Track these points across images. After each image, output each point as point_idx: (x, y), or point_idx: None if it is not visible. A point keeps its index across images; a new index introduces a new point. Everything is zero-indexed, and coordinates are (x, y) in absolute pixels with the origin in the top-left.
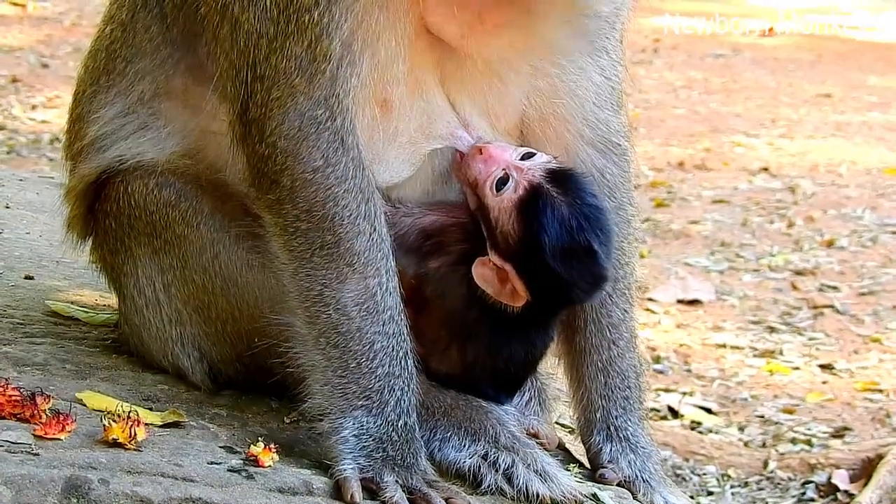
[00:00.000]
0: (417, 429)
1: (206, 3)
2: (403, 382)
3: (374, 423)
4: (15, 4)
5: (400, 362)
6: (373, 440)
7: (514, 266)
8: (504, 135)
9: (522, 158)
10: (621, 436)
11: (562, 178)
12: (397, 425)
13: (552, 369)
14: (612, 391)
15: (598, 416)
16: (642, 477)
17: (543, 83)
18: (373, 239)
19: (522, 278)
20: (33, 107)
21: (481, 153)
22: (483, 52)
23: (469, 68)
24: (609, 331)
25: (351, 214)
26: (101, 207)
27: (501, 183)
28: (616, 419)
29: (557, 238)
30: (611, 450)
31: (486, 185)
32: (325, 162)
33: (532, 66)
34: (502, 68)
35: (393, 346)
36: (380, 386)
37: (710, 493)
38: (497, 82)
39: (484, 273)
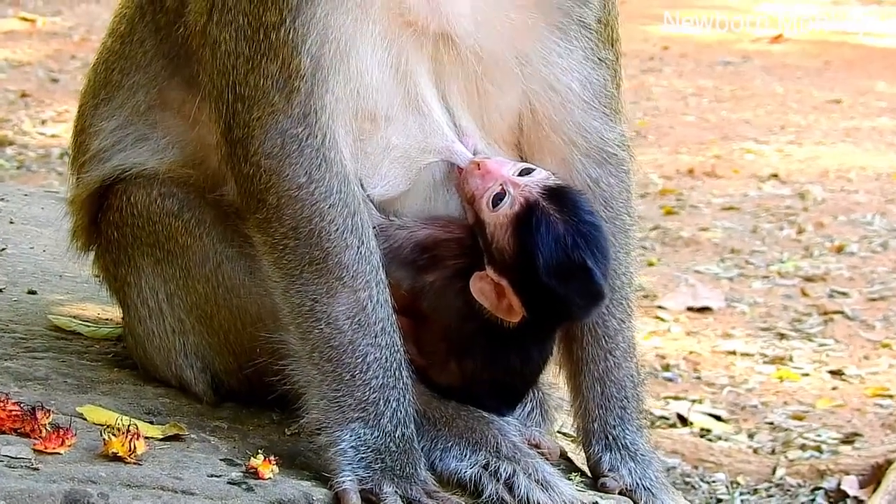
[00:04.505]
0: (416, 439)
1: (187, 26)
2: (399, 393)
3: (372, 434)
4: (25, 19)
5: (394, 373)
6: (371, 451)
7: (510, 281)
8: (499, 142)
9: (520, 174)
10: (620, 444)
11: (559, 196)
12: (395, 436)
13: (554, 379)
14: (609, 401)
15: (595, 425)
16: (643, 485)
17: (535, 85)
18: (361, 252)
19: (518, 294)
20: (43, 121)
21: (479, 168)
22: (459, 23)
23: (458, 66)
24: (605, 341)
25: (337, 229)
26: (104, 218)
27: (498, 199)
28: (613, 428)
29: (552, 255)
30: (610, 458)
31: (483, 200)
32: (309, 178)
33: (518, 60)
34: (487, 56)
35: (386, 358)
36: (375, 397)
37: (719, 501)
38: (488, 81)
39: (482, 287)
